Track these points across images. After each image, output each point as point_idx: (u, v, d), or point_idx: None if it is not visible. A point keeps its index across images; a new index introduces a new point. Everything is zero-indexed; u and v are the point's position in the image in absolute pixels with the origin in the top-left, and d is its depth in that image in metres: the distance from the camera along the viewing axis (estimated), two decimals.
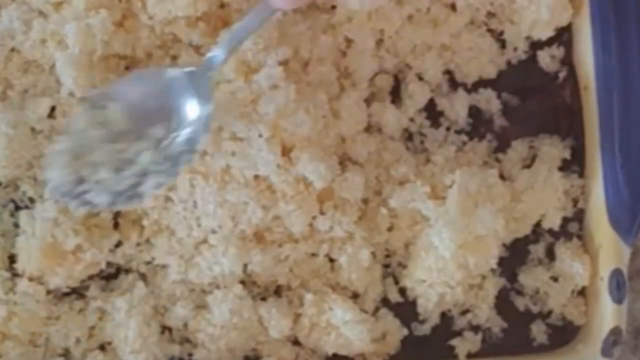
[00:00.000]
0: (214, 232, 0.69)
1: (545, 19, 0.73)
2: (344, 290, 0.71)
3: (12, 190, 0.70)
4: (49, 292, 0.69)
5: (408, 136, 0.75)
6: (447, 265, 0.69)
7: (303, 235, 0.70)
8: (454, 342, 0.72)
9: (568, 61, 0.76)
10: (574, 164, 0.75)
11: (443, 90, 0.75)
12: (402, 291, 0.72)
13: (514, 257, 0.73)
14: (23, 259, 0.68)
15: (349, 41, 0.74)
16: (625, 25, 0.72)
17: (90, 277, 0.70)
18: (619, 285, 0.70)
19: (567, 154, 0.75)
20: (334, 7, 0.73)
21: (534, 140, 0.75)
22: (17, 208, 0.70)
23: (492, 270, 0.72)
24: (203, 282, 0.69)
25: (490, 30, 0.76)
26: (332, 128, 0.71)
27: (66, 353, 0.69)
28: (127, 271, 0.70)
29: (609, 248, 0.71)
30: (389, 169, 0.73)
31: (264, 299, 0.71)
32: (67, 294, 0.70)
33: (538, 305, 0.73)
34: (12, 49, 0.71)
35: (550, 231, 0.74)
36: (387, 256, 0.73)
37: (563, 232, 0.74)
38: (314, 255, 0.71)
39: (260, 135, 0.68)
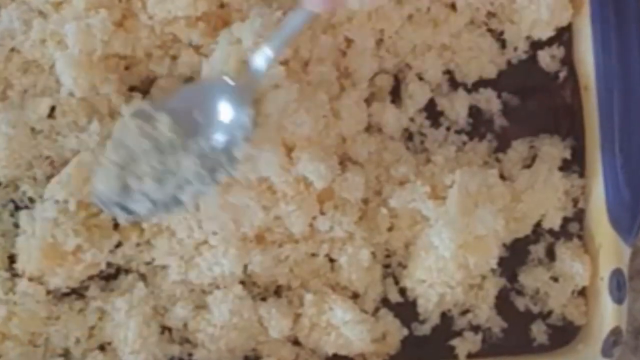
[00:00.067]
0: (214, 233, 0.69)
1: (545, 18, 0.73)
2: (344, 290, 0.71)
3: (12, 190, 0.70)
4: (48, 292, 0.69)
5: (408, 136, 0.75)
6: (447, 265, 0.69)
7: (303, 236, 0.70)
8: (454, 342, 0.72)
9: (568, 61, 0.76)
10: (574, 164, 0.75)
11: (443, 90, 0.75)
12: (402, 291, 0.72)
13: (514, 257, 0.73)
14: (23, 259, 0.68)
15: (349, 41, 0.74)
16: (626, 25, 0.72)
17: (90, 278, 0.70)
18: (619, 285, 0.70)
19: (567, 154, 0.75)
20: None
21: (534, 140, 0.75)
22: (17, 208, 0.70)
23: (492, 271, 0.72)
24: (203, 282, 0.69)
25: (490, 30, 0.76)
26: (333, 128, 0.71)
27: (66, 353, 0.69)
28: (127, 271, 0.70)
29: (609, 248, 0.71)
30: (389, 169, 0.72)
31: (264, 299, 0.71)
32: (67, 294, 0.70)
33: (538, 305, 0.73)
34: (12, 49, 0.71)
35: (551, 231, 0.74)
36: (387, 256, 0.73)
37: (563, 232, 0.74)
38: (314, 255, 0.71)
39: None
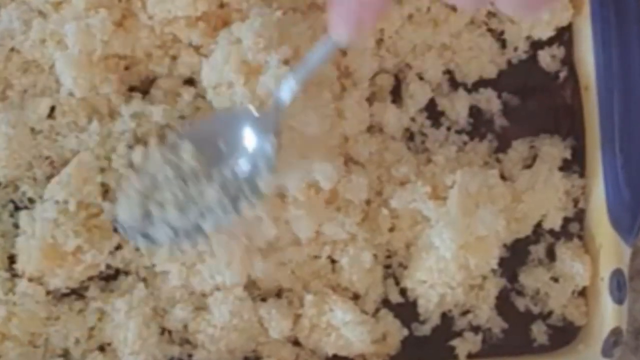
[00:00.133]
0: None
1: (545, 18, 0.73)
2: (344, 291, 0.71)
3: (11, 190, 0.70)
4: (48, 292, 0.69)
5: (409, 136, 0.75)
6: (448, 266, 0.69)
7: (307, 239, 0.70)
8: (455, 342, 0.72)
9: (568, 61, 0.76)
10: (575, 164, 0.75)
11: (443, 90, 0.75)
12: (403, 292, 0.72)
13: (514, 257, 0.73)
14: (23, 259, 0.68)
15: None
16: (626, 25, 0.72)
17: (90, 278, 0.69)
18: (619, 286, 0.70)
19: (567, 154, 0.75)
20: None
21: (535, 140, 0.75)
22: (17, 208, 0.70)
23: (493, 271, 0.72)
24: (204, 288, 0.69)
25: (490, 30, 0.76)
26: (336, 128, 0.71)
27: (65, 354, 0.69)
28: (127, 273, 0.70)
29: (610, 248, 0.71)
30: (390, 169, 0.72)
31: (264, 299, 0.71)
32: (66, 295, 0.69)
33: (538, 305, 0.73)
34: (12, 49, 0.71)
35: (551, 231, 0.74)
36: (388, 257, 0.72)
37: (563, 233, 0.74)
38: (316, 257, 0.71)
39: None
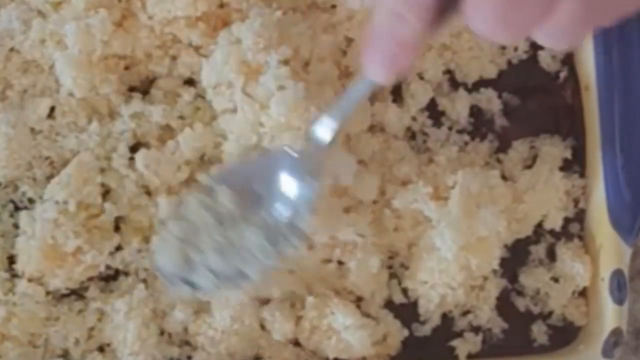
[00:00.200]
0: None
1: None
2: (349, 294, 0.71)
3: (11, 190, 0.70)
4: (48, 293, 0.69)
5: (411, 135, 0.74)
6: (449, 267, 0.69)
7: (322, 243, 0.70)
8: (455, 342, 0.72)
9: (569, 61, 0.76)
10: (575, 164, 0.75)
11: (444, 90, 0.75)
12: (404, 292, 0.72)
13: (514, 257, 0.73)
14: (23, 259, 0.68)
15: (349, 40, 0.73)
16: (626, 25, 0.71)
17: (90, 279, 0.69)
18: (619, 286, 0.70)
19: (568, 154, 0.75)
20: (334, 6, 0.73)
21: (535, 140, 0.75)
22: (17, 209, 0.70)
23: (494, 271, 0.72)
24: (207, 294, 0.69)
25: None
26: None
27: (65, 354, 0.69)
28: (127, 273, 0.70)
29: (610, 248, 0.71)
30: (392, 168, 0.72)
31: (266, 301, 0.70)
32: (66, 295, 0.69)
33: (539, 305, 0.73)
34: (12, 49, 0.71)
35: (551, 232, 0.74)
36: (390, 257, 0.72)
37: (564, 233, 0.74)
38: (327, 261, 0.71)
39: None
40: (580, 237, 0.74)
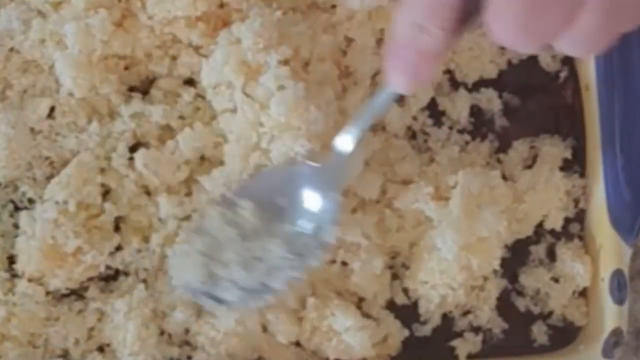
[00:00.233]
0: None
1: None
2: (351, 295, 0.71)
3: (11, 190, 0.70)
4: (48, 293, 0.68)
5: (411, 135, 0.74)
6: (449, 267, 0.69)
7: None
8: (455, 343, 0.72)
9: (569, 61, 0.76)
10: (575, 164, 0.75)
11: (444, 90, 0.75)
12: (405, 292, 0.72)
13: (515, 257, 0.73)
14: (23, 259, 0.68)
15: (349, 40, 0.73)
16: None
17: (90, 279, 0.69)
18: (620, 286, 0.70)
19: (568, 154, 0.74)
20: (334, 6, 0.73)
21: (535, 140, 0.75)
22: (17, 209, 0.70)
23: (494, 272, 0.71)
24: None
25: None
26: (340, 126, 0.71)
27: (65, 354, 0.69)
28: (127, 274, 0.70)
29: (610, 248, 0.71)
30: (393, 167, 0.72)
31: None
32: (66, 295, 0.69)
33: (539, 306, 0.73)
34: (11, 49, 0.71)
35: (551, 232, 0.74)
36: (392, 257, 0.72)
37: (564, 233, 0.74)
38: (331, 262, 0.71)
39: None
40: (581, 237, 0.74)
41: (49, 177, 0.69)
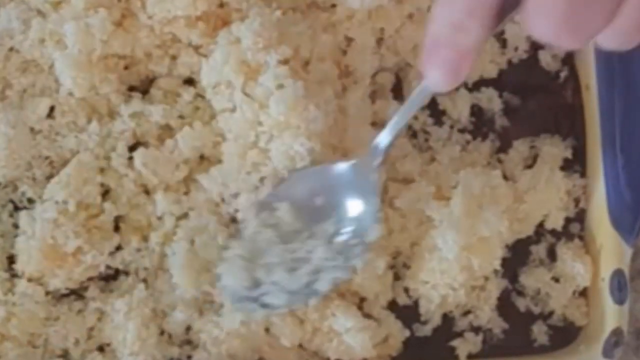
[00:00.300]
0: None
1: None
2: (353, 295, 0.70)
3: (11, 190, 0.70)
4: (48, 293, 0.68)
5: (413, 134, 0.74)
6: (450, 267, 0.69)
7: None
8: (455, 343, 0.72)
9: (569, 61, 0.76)
10: (576, 163, 0.75)
11: None
12: (405, 291, 0.72)
13: (515, 257, 0.73)
14: (23, 259, 0.68)
15: (349, 40, 0.73)
16: None
17: (90, 279, 0.69)
18: (620, 286, 0.70)
19: (568, 154, 0.74)
20: (334, 5, 0.73)
21: (536, 140, 0.75)
22: (17, 208, 0.70)
23: (495, 272, 0.71)
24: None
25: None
26: (340, 124, 0.71)
27: (65, 354, 0.69)
28: (127, 273, 0.70)
29: (610, 248, 0.71)
30: (395, 165, 0.72)
31: None
32: (66, 295, 0.69)
33: (539, 306, 0.73)
34: (11, 49, 0.71)
35: (552, 231, 0.74)
36: (393, 257, 0.72)
37: (564, 233, 0.74)
38: None
39: None
40: (581, 237, 0.74)
41: (49, 177, 0.69)
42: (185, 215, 0.70)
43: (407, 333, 0.71)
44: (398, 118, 0.66)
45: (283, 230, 0.68)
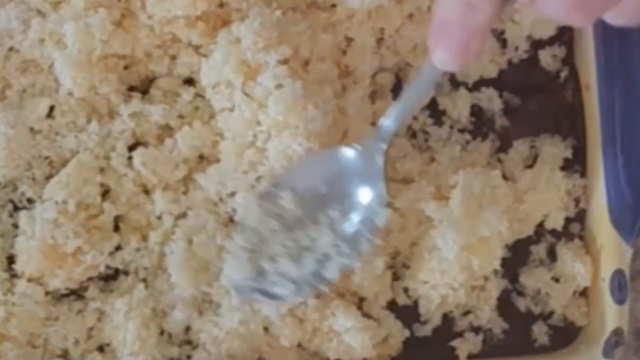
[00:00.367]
0: None
1: (546, 17, 0.73)
2: (352, 296, 0.70)
3: (10, 190, 0.70)
4: (47, 293, 0.68)
5: (412, 134, 0.74)
6: (450, 267, 0.69)
7: None
8: (455, 343, 0.72)
9: (569, 60, 0.76)
10: (576, 163, 0.74)
11: (445, 89, 0.75)
12: (405, 291, 0.72)
13: (515, 257, 0.73)
14: (22, 259, 0.68)
15: (349, 40, 0.73)
16: None
17: (90, 279, 0.69)
18: (620, 286, 0.70)
19: (568, 154, 0.74)
20: (334, 5, 0.73)
21: (536, 139, 0.75)
22: (16, 208, 0.70)
23: (495, 272, 0.71)
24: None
25: (491, 29, 0.75)
26: (340, 124, 0.71)
27: (65, 354, 0.69)
28: (127, 273, 0.70)
29: (611, 248, 0.71)
30: (394, 165, 0.72)
31: None
32: (66, 295, 0.69)
33: (539, 306, 0.73)
34: (11, 49, 0.71)
35: (552, 231, 0.74)
36: (393, 257, 0.72)
37: (565, 233, 0.74)
38: None
39: None
40: (581, 237, 0.74)
41: (49, 177, 0.69)
42: (183, 215, 0.70)
43: (407, 333, 0.71)
44: (403, 101, 0.65)
45: (286, 218, 0.67)
